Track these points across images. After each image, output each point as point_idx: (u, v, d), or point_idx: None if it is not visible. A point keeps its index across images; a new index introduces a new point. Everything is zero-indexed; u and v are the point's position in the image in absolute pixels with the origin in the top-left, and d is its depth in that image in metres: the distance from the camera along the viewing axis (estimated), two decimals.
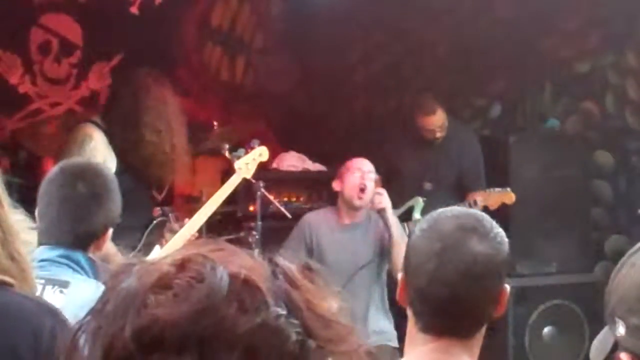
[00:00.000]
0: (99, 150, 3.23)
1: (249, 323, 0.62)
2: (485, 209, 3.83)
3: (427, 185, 4.15)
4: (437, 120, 4.11)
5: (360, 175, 3.63)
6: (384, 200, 3.65)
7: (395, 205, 4.17)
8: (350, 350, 0.67)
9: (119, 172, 3.21)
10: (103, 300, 0.66)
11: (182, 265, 0.66)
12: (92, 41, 4.73)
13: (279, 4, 5.46)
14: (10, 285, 1.29)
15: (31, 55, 4.66)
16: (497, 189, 3.92)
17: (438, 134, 4.13)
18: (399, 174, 4.25)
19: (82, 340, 0.65)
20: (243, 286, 0.64)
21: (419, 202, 4.07)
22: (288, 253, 0.67)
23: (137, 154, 3.30)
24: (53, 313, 1.33)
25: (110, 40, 4.67)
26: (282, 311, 0.64)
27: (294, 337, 0.63)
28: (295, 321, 0.64)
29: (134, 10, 4.79)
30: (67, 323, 1.29)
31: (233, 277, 0.64)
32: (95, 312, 0.66)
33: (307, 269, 0.69)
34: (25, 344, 1.25)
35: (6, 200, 1.36)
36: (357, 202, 3.63)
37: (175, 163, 3.49)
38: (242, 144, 3.69)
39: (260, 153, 3.56)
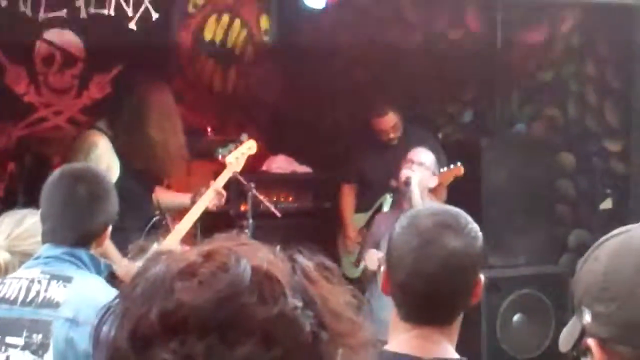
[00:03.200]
0: (103, 157, 3.20)
1: (267, 312, 0.61)
2: (440, 185, 3.84)
3: (393, 182, 4.16)
4: (388, 122, 4.13)
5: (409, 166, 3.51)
6: (411, 178, 3.47)
7: (367, 206, 4.16)
8: (359, 344, 0.65)
9: (122, 176, 3.19)
10: (132, 284, 0.65)
11: (208, 255, 0.64)
12: (93, 54, 4.69)
13: (267, 20, 5.45)
14: None
15: (36, 67, 4.61)
16: (447, 168, 3.89)
17: (392, 135, 4.15)
18: (369, 177, 4.26)
19: (109, 322, 0.64)
20: (264, 278, 0.63)
21: (386, 198, 4.09)
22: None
23: (141, 155, 3.25)
24: None
25: (110, 53, 4.63)
26: (299, 303, 0.63)
27: (308, 328, 0.63)
28: (310, 313, 0.63)
29: (132, 25, 4.76)
30: None
31: (255, 269, 0.63)
32: (124, 295, 0.65)
33: (323, 267, 0.67)
34: None
35: None
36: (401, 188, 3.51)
37: (175, 160, 3.47)
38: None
39: (249, 147, 3.53)
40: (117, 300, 0.65)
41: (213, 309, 0.61)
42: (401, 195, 3.57)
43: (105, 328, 0.64)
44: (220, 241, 0.67)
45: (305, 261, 0.67)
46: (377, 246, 3.47)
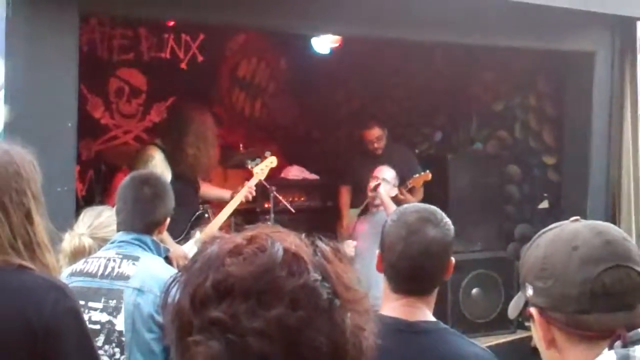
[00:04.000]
0: (158, 166, 3.23)
1: (294, 283, 0.62)
2: (413, 188, 3.94)
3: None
4: (374, 133, 4.12)
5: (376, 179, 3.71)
6: (378, 197, 3.67)
7: (359, 203, 4.17)
8: (363, 310, 0.67)
9: (173, 180, 3.22)
10: (192, 260, 0.66)
11: (251, 239, 0.66)
12: (153, 87, 4.73)
13: (285, 62, 5.48)
14: (30, 269, 1.24)
15: (110, 97, 4.65)
16: (418, 174, 3.97)
17: (376, 144, 4.13)
18: (361, 182, 4.26)
19: (174, 289, 0.65)
20: (292, 257, 0.64)
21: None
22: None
23: (184, 164, 3.30)
24: (57, 288, 1.24)
25: (166, 87, 4.67)
26: (319, 277, 0.64)
27: (325, 295, 0.64)
28: (327, 285, 0.64)
29: (183, 65, 4.81)
30: (70, 295, 1.24)
31: (286, 250, 0.65)
32: (186, 268, 0.66)
33: (337, 251, 0.69)
34: (31, 310, 1.20)
35: (36, 208, 1.27)
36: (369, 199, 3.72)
37: (212, 167, 3.52)
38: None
39: (271, 161, 3.63)
40: (181, 272, 0.67)
41: (253, 279, 0.62)
42: (371, 199, 3.74)
43: (171, 294, 0.66)
44: (260, 229, 0.68)
45: (324, 245, 0.68)
46: (350, 237, 3.74)
